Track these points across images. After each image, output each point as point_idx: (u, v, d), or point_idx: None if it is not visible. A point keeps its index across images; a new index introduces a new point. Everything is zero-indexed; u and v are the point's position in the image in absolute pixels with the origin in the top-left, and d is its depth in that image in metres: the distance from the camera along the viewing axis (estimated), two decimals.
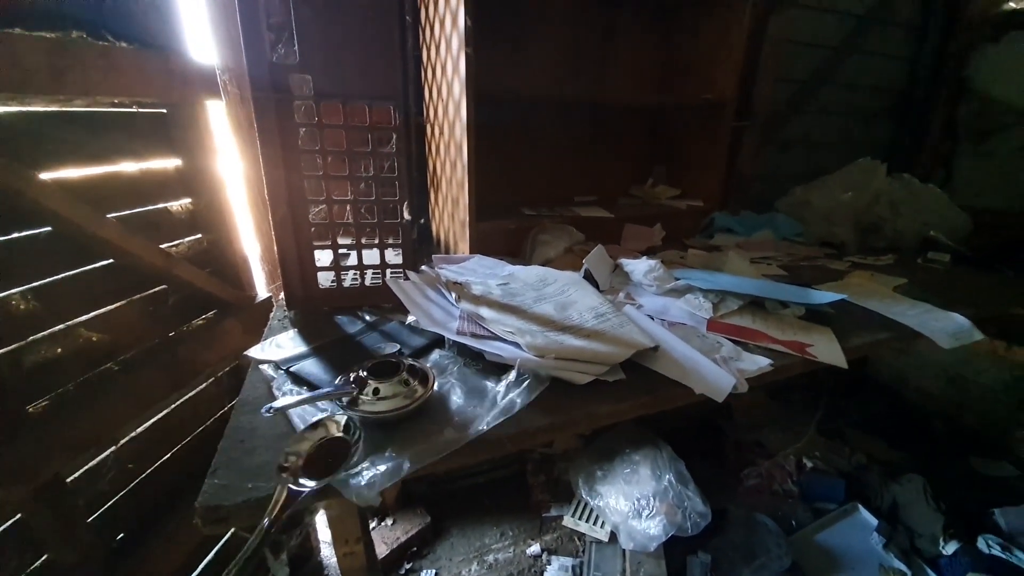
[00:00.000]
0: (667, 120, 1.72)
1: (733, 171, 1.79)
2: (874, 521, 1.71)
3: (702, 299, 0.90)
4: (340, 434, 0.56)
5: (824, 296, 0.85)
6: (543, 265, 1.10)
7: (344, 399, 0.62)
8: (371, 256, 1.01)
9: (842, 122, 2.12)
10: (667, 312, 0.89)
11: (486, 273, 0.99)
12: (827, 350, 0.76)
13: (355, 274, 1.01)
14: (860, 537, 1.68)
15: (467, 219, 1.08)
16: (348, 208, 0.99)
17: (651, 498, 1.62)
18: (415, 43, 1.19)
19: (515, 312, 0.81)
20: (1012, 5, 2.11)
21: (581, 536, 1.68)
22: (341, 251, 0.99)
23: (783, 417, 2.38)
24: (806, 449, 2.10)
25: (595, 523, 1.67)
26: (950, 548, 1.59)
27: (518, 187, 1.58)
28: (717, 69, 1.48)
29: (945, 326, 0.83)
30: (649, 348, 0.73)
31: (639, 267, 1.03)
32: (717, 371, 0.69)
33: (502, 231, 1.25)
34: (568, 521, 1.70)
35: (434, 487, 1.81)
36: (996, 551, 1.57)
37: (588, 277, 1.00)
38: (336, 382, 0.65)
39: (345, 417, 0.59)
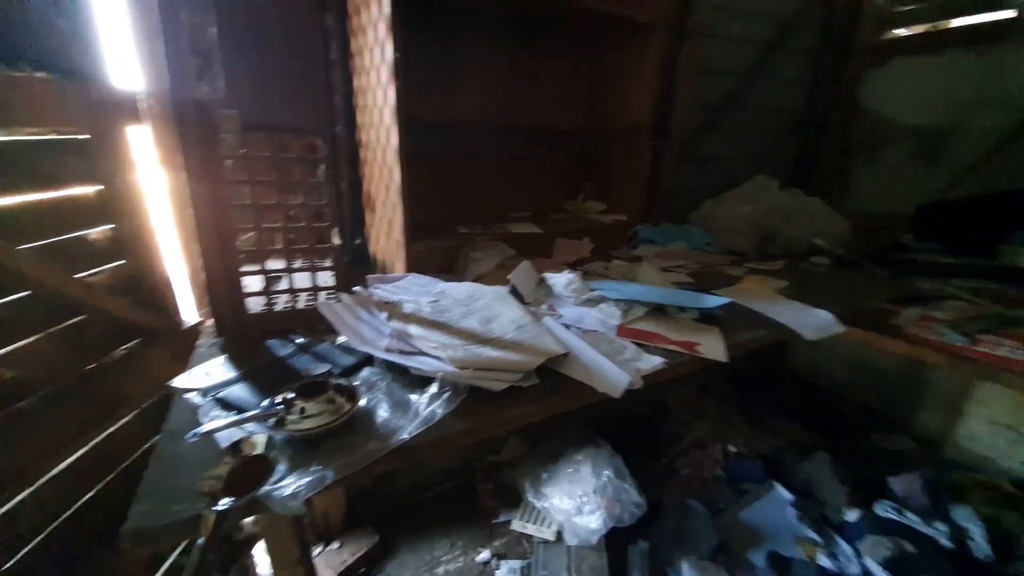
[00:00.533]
0: (594, 141, 1.86)
1: (655, 187, 1.95)
2: (790, 496, 1.88)
3: (613, 308, 1.00)
4: (261, 452, 0.60)
5: (714, 300, 0.98)
6: (475, 281, 1.18)
7: (271, 420, 0.65)
8: (304, 279, 1.04)
9: (753, 140, 2.35)
10: (582, 321, 0.99)
11: (419, 291, 1.05)
12: (712, 347, 0.88)
13: (288, 298, 1.04)
14: (778, 512, 1.85)
15: (402, 239, 1.13)
16: (280, 234, 1.02)
17: (592, 494, 1.72)
18: (345, 71, 1.24)
19: (442, 328, 0.88)
20: (894, 34, 2.44)
21: (530, 538, 1.75)
22: (273, 275, 1.01)
23: (713, 410, 2.58)
24: (732, 437, 2.28)
25: (542, 524, 1.74)
26: (853, 515, 1.79)
27: (454, 207, 1.65)
28: (634, 95, 1.63)
29: (811, 321, 0.98)
30: (560, 354, 0.81)
31: (560, 280, 1.12)
32: (616, 371, 0.79)
33: (437, 249, 1.31)
34: (516, 525, 1.77)
35: (383, 505, 1.82)
36: (891, 514, 1.79)
37: (514, 291, 1.08)
38: (263, 404, 0.69)
39: (266, 436, 0.62)
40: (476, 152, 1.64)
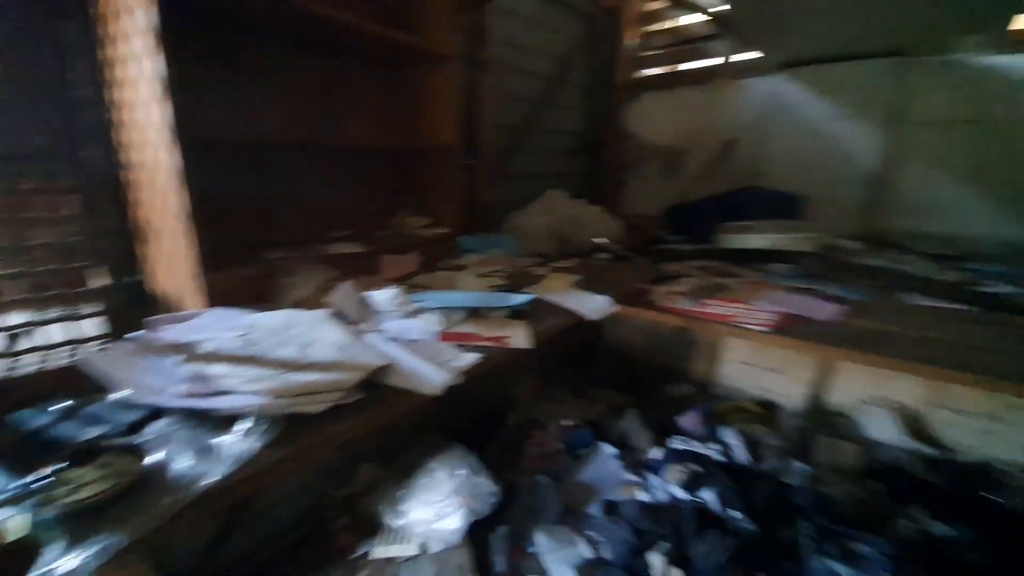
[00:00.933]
0: (413, 159, 1.94)
1: (473, 201, 2.14)
2: (614, 451, 2.24)
3: (435, 316, 1.09)
4: (23, 535, 0.51)
5: (520, 298, 1.15)
6: (295, 307, 1.13)
7: (32, 500, 0.55)
8: (62, 331, 0.87)
9: (551, 158, 2.75)
10: (407, 332, 1.05)
11: (222, 327, 0.97)
12: (520, 338, 1.04)
13: (39, 356, 0.86)
14: (607, 466, 2.17)
15: (194, 271, 1.03)
16: (21, 281, 0.83)
17: (450, 496, 1.78)
18: (96, 85, 1.07)
19: (253, 362, 0.84)
20: (643, 74, 3.11)
21: (394, 560, 1.72)
22: (15, 332, 0.82)
23: (552, 393, 2.90)
24: (566, 412, 2.61)
25: (404, 542, 1.73)
26: (657, 454, 2.22)
27: (264, 231, 1.54)
28: (443, 118, 1.76)
29: (592, 305, 1.23)
30: (381, 366, 0.86)
31: (384, 296, 1.16)
32: (435, 372, 0.87)
33: (243, 278, 1.21)
34: (377, 552, 1.72)
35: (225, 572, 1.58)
36: (680, 445, 2.27)
37: (337, 313, 1.08)
38: (11, 487, 0.57)
39: (28, 518, 0.53)
40: (286, 172, 1.57)
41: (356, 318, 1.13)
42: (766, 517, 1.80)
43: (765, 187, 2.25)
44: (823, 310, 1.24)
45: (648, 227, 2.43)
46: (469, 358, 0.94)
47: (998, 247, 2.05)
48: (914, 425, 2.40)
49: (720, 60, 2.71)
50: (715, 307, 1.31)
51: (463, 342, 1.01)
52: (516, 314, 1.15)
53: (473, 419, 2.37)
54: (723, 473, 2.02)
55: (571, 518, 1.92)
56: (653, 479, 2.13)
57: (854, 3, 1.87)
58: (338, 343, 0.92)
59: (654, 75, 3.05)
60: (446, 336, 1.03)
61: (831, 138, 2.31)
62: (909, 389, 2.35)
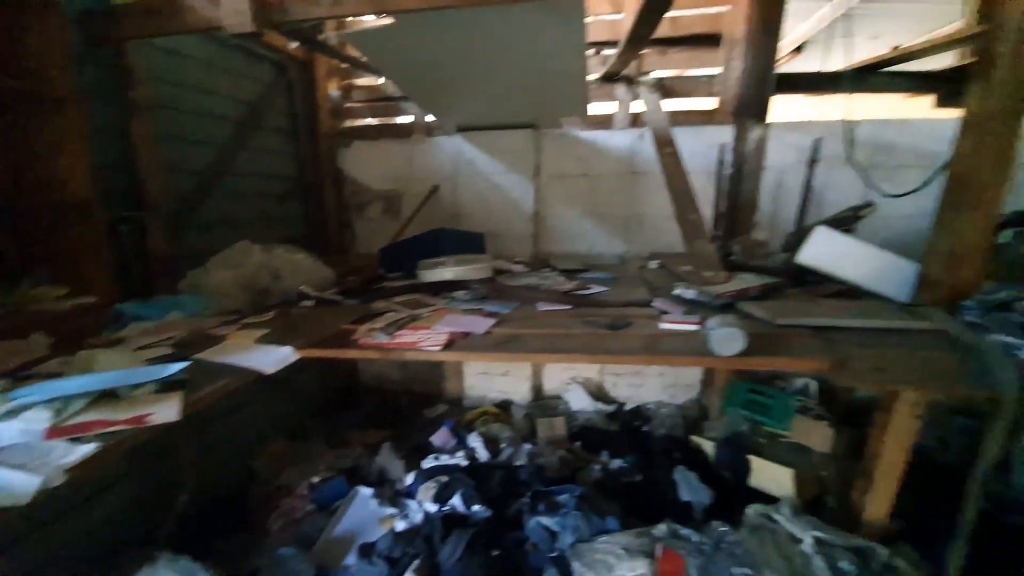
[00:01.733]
0: (37, 218, 1.55)
1: (148, 257, 1.85)
2: (369, 491, 2.24)
3: (42, 412, 0.91)
4: None
5: (169, 369, 1.07)
6: None
7: None
8: None
9: (258, 202, 2.61)
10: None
11: None
12: (166, 412, 0.97)
13: None
14: (367, 508, 2.16)
15: None
16: None
17: None
18: None
19: None
20: (351, 123, 3.28)
21: None
22: None
23: (307, 450, 2.71)
24: (314, 468, 2.48)
25: None
26: (410, 478, 2.34)
27: None
28: (70, 168, 1.48)
29: (272, 358, 1.25)
30: None
31: None
32: (25, 479, 0.74)
33: None
34: None
35: None
36: (431, 462, 2.44)
37: None
38: None
39: None
40: None
41: None
42: (500, 500, 2.13)
43: (453, 228, 2.71)
44: (482, 325, 1.58)
45: (368, 268, 2.58)
46: (83, 451, 0.83)
47: (615, 259, 3.01)
48: (598, 391, 3.25)
49: (412, 117, 3.13)
50: (405, 336, 1.50)
51: (80, 433, 0.88)
52: (170, 386, 1.06)
53: (200, 516, 2.00)
54: (466, 476, 2.28)
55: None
56: (411, 503, 2.23)
57: (493, 94, 2.47)
58: None
59: (361, 125, 3.28)
60: (55, 432, 0.88)
61: (503, 187, 2.97)
62: (588, 368, 3.19)
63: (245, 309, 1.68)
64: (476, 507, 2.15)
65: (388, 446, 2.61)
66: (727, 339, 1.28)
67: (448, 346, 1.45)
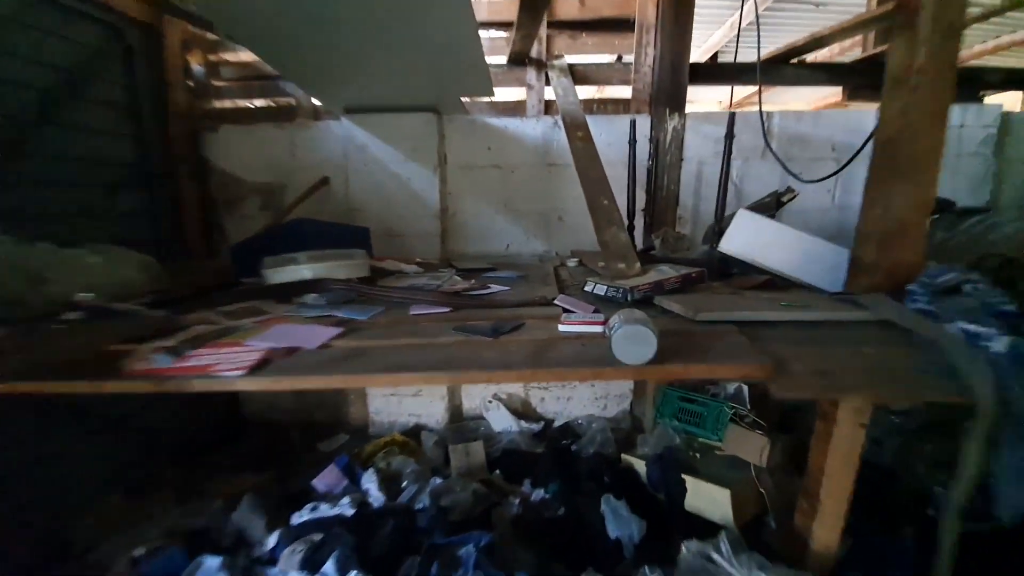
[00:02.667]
0: None
1: None
2: (215, 561, 1.72)
3: None
4: None
5: None
6: None
7: None
8: None
9: (75, 194, 2.02)
10: None
11: None
12: None
13: None
14: None
15: None
16: None
17: None
18: None
19: None
20: (218, 104, 2.74)
21: None
22: None
23: (141, 511, 2.10)
24: (152, 533, 1.91)
25: None
26: (272, 540, 1.83)
27: None
28: None
29: None
30: None
31: None
32: None
33: None
34: None
35: None
36: (306, 516, 1.94)
37: None
38: None
39: None
40: None
41: None
42: (389, 560, 1.70)
43: (319, 219, 2.27)
44: (319, 337, 1.16)
45: (224, 272, 2.07)
46: None
47: (534, 259, 2.68)
48: (523, 408, 2.88)
49: (294, 100, 2.67)
50: (198, 358, 1.05)
51: None
52: None
53: None
54: (347, 531, 1.82)
55: None
56: (271, 573, 1.74)
57: (390, 70, 2.09)
58: None
59: (233, 108, 2.76)
60: None
61: (402, 177, 2.56)
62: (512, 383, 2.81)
63: None
64: (353, 573, 1.69)
65: (248, 498, 2.06)
66: (633, 341, 0.95)
67: (259, 367, 1.02)
